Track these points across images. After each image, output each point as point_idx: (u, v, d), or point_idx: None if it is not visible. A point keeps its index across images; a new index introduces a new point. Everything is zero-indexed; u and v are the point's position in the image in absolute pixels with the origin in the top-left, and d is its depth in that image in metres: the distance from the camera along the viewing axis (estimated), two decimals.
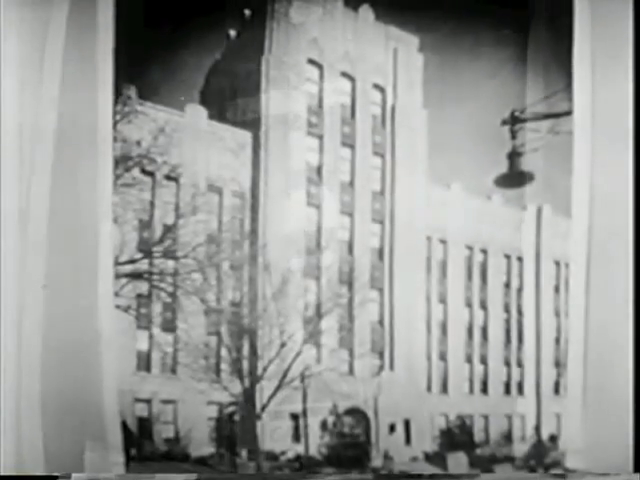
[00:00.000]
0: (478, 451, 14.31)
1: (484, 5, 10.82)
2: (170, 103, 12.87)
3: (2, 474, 8.27)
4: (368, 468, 12.72)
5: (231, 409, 13.25)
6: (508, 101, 11.93)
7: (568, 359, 8.73)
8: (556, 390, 15.11)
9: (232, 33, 14.30)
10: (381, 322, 15.12)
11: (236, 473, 12.34)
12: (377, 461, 13.21)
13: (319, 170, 14.76)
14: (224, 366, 13.32)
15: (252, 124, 14.31)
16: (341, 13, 14.40)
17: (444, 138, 14.00)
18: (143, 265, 12.64)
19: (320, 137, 14.78)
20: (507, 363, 16.11)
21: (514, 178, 12.24)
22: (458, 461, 13.24)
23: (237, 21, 14.10)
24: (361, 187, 15.12)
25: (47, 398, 8.47)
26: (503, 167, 12.22)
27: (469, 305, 16.16)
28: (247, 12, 14.07)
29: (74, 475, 8.27)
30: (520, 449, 13.99)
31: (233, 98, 14.41)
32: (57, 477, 8.25)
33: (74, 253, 8.55)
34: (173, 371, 13.34)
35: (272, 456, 12.85)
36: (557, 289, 16.26)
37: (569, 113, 9.00)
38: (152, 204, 13.23)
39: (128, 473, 8.80)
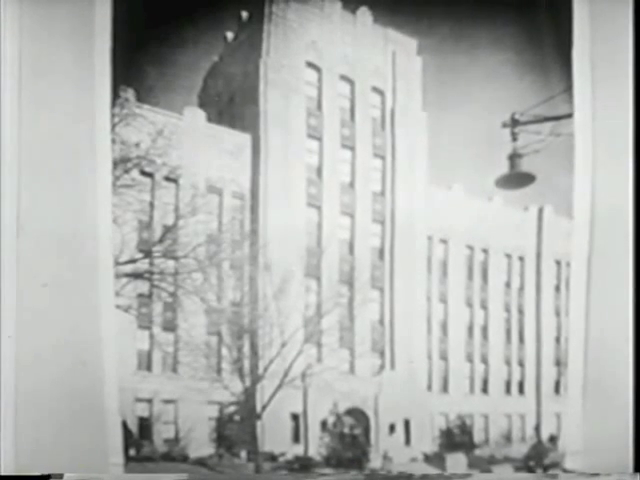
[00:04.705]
0: (477, 452, 14.30)
1: (483, 7, 10.79)
2: (168, 106, 12.87)
3: (2, 474, 8.31)
4: (365, 469, 12.71)
5: (232, 409, 13.26)
6: (508, 103, 11.90)
7: (568, 358, 8.75)
8: (557, 389, 15.09)
9: (229, 35, 14.26)
10: (381, 321, 15.12)
11: (233, 474, 12.35)
12: (376, 462, 13.20)
13: (319, 171, 14.75)
14: (225, 365, 13.33)
15: (251, 126, 14.33)
16: (339, 16, 14.35)
17: (444, 141, 13.96)
18: (144, 265, 12.65)
19: (319, 139, 14.77)
20: (507, 362, 16.11)
21: (515, 179, 12.21)
22: (457, 462, 13.23)
23: (234, 23, 14.06)
24: (361, 188, 15.11)
25: (46, 398, 8.51)
26: (504, 169, 12.19)
27: (470, 305, 16.14)
28: (244, 14, 14.03)
29: (66, 475, 8.32)
30: (520, 450, 13.98)
31: (231, 101, 14.42)
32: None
33: (74, 253, 8.59)
34: (174, 370, 13.36)
35: (271, 457, 12.85)
36: (558, 288, 16.23)
37: (570, 115, 8.98)
38: (152, 205, 13.26)
39: (125, 474, 8.83)
